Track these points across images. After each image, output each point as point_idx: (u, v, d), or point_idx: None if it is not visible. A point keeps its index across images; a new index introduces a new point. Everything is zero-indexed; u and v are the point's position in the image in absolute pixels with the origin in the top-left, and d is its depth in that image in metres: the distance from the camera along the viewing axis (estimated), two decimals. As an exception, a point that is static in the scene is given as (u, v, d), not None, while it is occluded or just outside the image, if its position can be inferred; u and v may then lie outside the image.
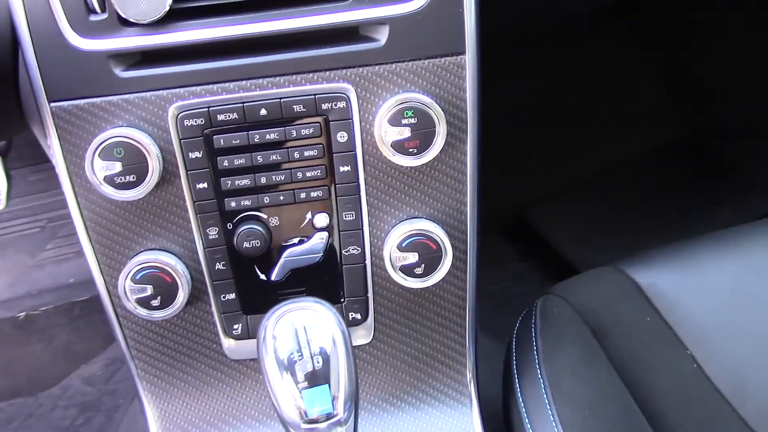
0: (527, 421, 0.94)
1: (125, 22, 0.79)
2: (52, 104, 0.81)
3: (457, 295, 0.93)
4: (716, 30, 1.84)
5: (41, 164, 1.96)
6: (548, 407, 0.94)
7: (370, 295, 0.91)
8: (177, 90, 0.82)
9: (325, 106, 0.83)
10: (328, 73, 0.82)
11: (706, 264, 1.10)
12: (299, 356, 0.76)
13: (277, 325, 0.78)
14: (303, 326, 0.78)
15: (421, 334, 0.95)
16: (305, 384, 0.75)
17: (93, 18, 0.79)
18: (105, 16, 0.79)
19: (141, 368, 0.93)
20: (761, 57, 1.83)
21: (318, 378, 0.76)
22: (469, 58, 0.83)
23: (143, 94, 0.82)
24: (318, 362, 0.76)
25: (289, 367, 0.76)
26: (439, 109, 0.82)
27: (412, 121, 0.82)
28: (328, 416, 0.75)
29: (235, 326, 0.91)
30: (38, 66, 0.80)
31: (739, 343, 1.04)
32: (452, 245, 0.88)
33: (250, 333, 0.92)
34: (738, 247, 1.11)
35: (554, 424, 0.92)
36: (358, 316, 0.92)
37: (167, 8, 0.78)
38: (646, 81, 1.99)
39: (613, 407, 0.97)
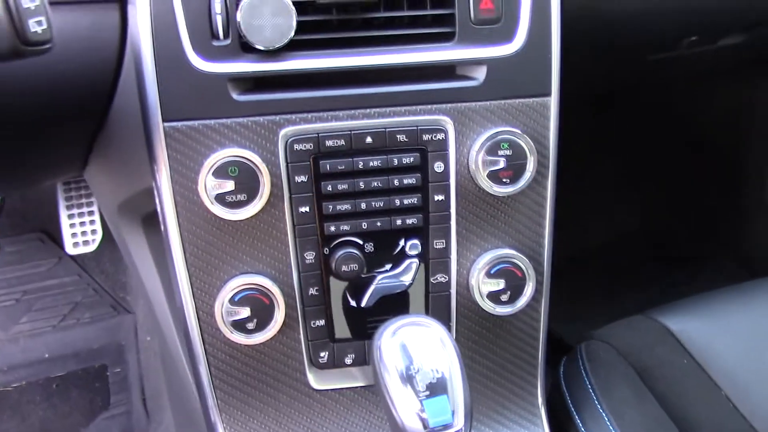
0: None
1: (246, 48, 0.84)
2: (166, 124, 0.83)
3: (531, 325, 0.97)
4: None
5: (18, 236, 1.91)
6: None
7: (453, 323, 0.94)
8: (289, 116, 0.86)
9: (425, 137, 0.88)
10: (429, 106, 0.88)
11: (731, 311, 1.18)
12: (418, 368, 0.78)
13: (393, 339, 0.80)
14: (418, 340, 0.80)
15: (494, 362, 0.97)
16: (426, 393, 0.77)
17: (216, 43, 0.83)
18: (228, 42, 0.83)
19: (221, 399, 0.91)
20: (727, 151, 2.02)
21: (438, 388, 0.77)
22: (554, 100, 0.91)
23: (256, 118, 0.85)
24: (437, 373, 0.78)
25: (409, 378, 0.77)
26: (531, 143, 0.89)
27: (508, 152, 0.88)
28: (446, 427, 0.77)
29: (322, 354, 0.92)
30: (158, 86, 0.82)
31: (766, 385, 1.11)
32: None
33: (335, 361, 0.92)
34: (757, 297, 1.21)
35: None
36: None
37: (290, 37, 0.83)
38: (613, 171, 2.16)
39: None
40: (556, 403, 1.09)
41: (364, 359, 0.93)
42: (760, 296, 1.21)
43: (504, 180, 0.89)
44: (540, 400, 1.01)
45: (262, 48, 0.83)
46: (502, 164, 0.89)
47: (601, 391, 1.04)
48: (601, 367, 1.09)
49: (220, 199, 0.83)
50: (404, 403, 0.76)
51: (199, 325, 0.89)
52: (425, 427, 0.76)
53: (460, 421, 0.77)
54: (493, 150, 0.88)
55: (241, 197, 0.84)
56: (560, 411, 1.06)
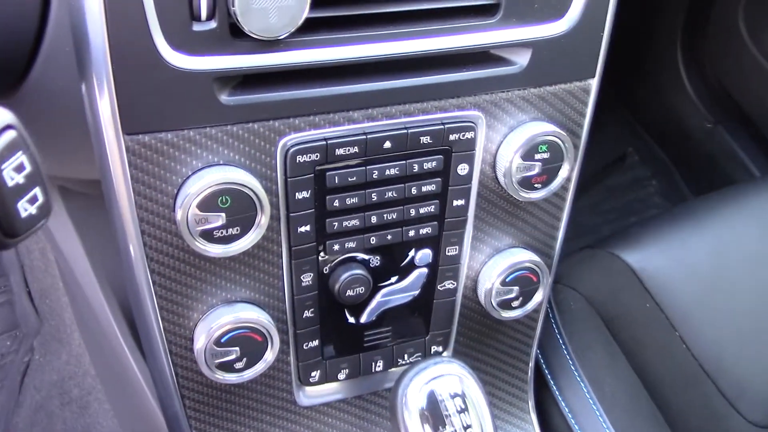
0: (577, 428, 0.96)
1: (236, 33, 0.60)
2: (128, 137, 0.61)
3: (529, 322, 0.89)
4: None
5: None
6: (598, 414, 0.96)
7: (454, 327, 0.84)
8: (291, 120, 0.65)
9: (452, 137, 0.71)
10: (460, 100, 0.70)
11: (686, 240, 1.16)
12: (452, 429, 0.69)
13: (420, 394, 0.70)
14: (448, 395, 0.70)
15: (492, 360, 0.90)
16: (461, 459, 0.69)
17: (197, 28, 0.59)
18: (213, 25, 0.60)
19: (197, 428, 0.78)
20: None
21: (471, 450, 0.70)
22: (595, 82, 0.76)
23: (250, 125, 0.64)
24: (471, 433, 0.70)
25: (441, 440, 0.69)
26: (570, 142, 0.75)
27: (545, 156, 0.74)
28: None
29: (313, 373, 0.80)
30: (115, 89, 0.59)
31: (717, 321, 1.13)
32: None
33: (327, 378, 0.81)
34: (706, 220, 1.19)
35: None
36: (440, 349, 0.85)
37: (300, 23, 0.60)
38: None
39: (644, 404, 1.02)
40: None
41: (358, 371, 0.82)
42: (709, 219, 1.19)
43: (536, 185, 0.76)
44: (531, 404, 0.96)
45: (266, 38, 0.60)
46: (537, 169, 0.75)
47: (576, 354, 1.01)
48: (573, 322, 1.05)
49: (207, 235, 0.64)
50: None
51: (172, 360, 0.73)
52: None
53: (492, 481, 0.71)
54: (529, 154, 0.73)
55: (234, 231, 0.65)
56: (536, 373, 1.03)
